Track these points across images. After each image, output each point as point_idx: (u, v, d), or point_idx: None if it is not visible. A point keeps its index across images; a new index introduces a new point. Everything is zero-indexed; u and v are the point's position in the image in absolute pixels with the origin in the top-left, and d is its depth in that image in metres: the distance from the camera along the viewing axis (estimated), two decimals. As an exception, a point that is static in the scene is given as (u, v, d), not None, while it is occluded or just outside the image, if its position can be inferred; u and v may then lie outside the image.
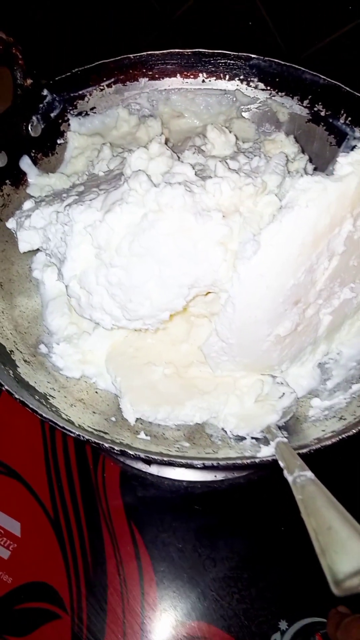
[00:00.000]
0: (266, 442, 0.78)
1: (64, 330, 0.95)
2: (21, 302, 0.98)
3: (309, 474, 0.61)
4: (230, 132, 0.93)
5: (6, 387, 0.74)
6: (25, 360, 0.88)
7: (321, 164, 1.11)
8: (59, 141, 1.10)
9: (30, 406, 0.72)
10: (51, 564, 1.04)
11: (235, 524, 1.07)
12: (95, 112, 1.13)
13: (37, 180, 1.05)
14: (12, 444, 1.14)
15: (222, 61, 1.13)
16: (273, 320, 0.77)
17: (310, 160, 1.03)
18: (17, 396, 0.73)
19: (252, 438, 0.81)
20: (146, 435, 0.81)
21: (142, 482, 1.08)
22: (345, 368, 0.92)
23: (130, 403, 0.84)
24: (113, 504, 1.09)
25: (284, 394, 0.87)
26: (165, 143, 0.86)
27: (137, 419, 0.84)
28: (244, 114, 1.16)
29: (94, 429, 0.77)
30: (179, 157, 0.89)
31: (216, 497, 1.09)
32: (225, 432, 0.84)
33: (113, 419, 0.85)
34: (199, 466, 0.68)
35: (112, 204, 0.76)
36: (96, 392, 0.90)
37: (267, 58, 1.10)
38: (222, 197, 0.76)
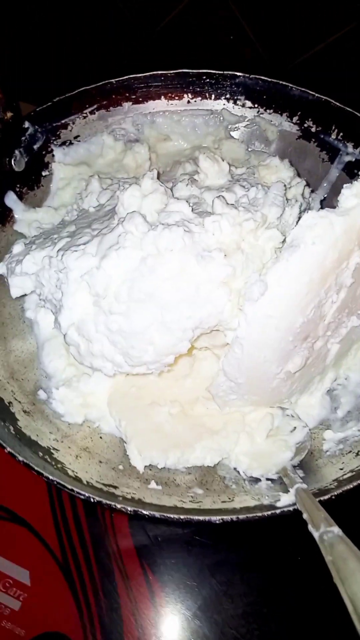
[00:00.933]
0: (283, 485, 0.75)
1: (62, 372, 0.91)
2: (16, 345, 0.94)
3: (336, 529, 0.58)
4: (223, 159, 0.89)
5: (9, 449, 0.70)
6: (24, 411, 0.84)
7: (314, 181, 1.08)
8: (43, 173, 1.06)
9: (36, 468, 0.69)
10: (64, 612, 1.00)
11: (251, 557, 1.04)
12: (79, 141, 1.09)
13: (23, 215, 1.01)
14: (15, 489, 1.10)
15: (207, 81, 1.10)
16: (283, 358, 0.74)
17: (308, 185, 1.00)
18: (20, 458, 0.70)
19: (267, 479, 0.78)
20: (157, 484, 0.78)
21: (152, 519, 1.05)
22: (354, 394, 0.90)
23: (138, 449, 0.81)
24: (123, 544, 1.06)
25: (295, 428, 0.84)
26: (158, 177, 0.82)
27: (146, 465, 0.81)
28: (233, 134, 1.13)
29: (102, 484, 0.74)
30: (171, 190, 0.86)
31: (229, 531, 1.06)
32: (238, 472, 0.81)
33: (120, 467, 0.82)
34: (217, 522, 0.65)
35: (107, 248, 0.73)
36: (100, 438, 0.87)
37: (253, 76, 1.07)
38: (222, 235, 0.73)
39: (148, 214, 0.76)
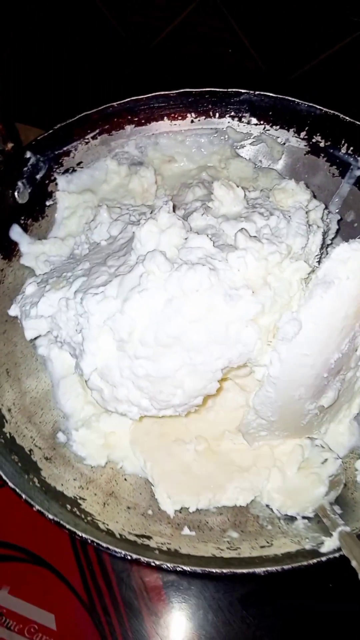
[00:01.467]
0: (321, 524, 0.72)
1: (80, 412, 0.88)
2: (30, 385, 0.91)
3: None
4: (237, 185, 0.86)
5: (37, 507, 0.67)
6: (46, 458, 0.81)
7: (325, 196, 1.06)
8: (47, 203, 1.03)
9: (67, 527, 0.66)
10: (93, 656, 0.97)
11: (280, 586, 1.02)
12: (82, 167, 1.06)
13: (30, 248, 0.98)
14: (35, 530, 1.07)
15: (211, 99, 1.06)
16: (317, 395, 0.72)
17: (315, 196, 0.97)
18: (50, 516, 0.67)
19: (304, 517, 0.76)
20: (190, 529, 0.75)
21: (194, 574, 1.02)
22: None
23: (167, 493, 0.78)
24: (149, 581, 1.03)
25: (326, 459, 0.81)
26: (174, 209, 0.79)
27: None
28: (239, 151, 1.10)
29: (135, 535, 0.71)
30: (186, 218, 0.82)
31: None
32: (272, 510, 0.78)
33: (150, 511, 0.79)
34: (262, 574, 0.62)
35: (129, 290, 0.70)
36: (125, 479, 0.84)
37: (258, 92, 1.04)
38: (248, 270, 0.70)
39: (167, 250, 0.73)
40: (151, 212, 0.80)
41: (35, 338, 0.88)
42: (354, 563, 0.60)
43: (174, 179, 1.09)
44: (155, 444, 0.84)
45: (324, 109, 1.02)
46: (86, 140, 1.05)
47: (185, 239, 0.74)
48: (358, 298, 0.64)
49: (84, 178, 1.06)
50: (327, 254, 0.88)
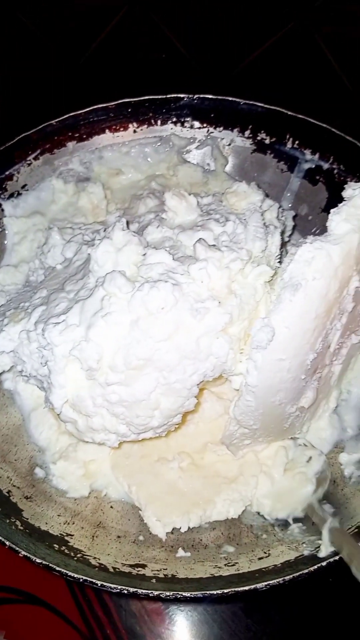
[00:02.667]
0: (315, 526, 0.71)
1: (55, 443, 0.85)
2: (0, 422, 0.87)
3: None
4: (189, 193, 0.84)
5: (23, 552, 0.64)
6: (26, 497, 0.77)
7: (277, 193, 1.05)
8: (-5, 231, 0.99)
9: (57, 569, 0.63)
10: None
11: (284, 590, 1.01)
12: (27, 190, 1.02)
13: None
14: (26, 569, 1.03)
15: (151, 107, 1.05)
16: (296, 397, 0.71)
17: (267, 196, 0.97)
18: (38, 560, 0.64)
19: (296, 520, 0.75)
20: (184, 550, 0.73)
21: (195, 599, 0.99)
22: (356, 410, 0.87)
23: (157, 516, 0.75)
24: (149, 603, 1.00)
25: (310, 457, 0.81)
26: (127, 225, 0.77)
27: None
28: (186, 156, 1.08)
29: (130, 566, 0.69)
30: (142, 232, 0.80)
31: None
32: (264, 517, 0.77)
33: (141, 537, 0.76)
34: (264, 589, 0.61)
35: (92, 315, 0.67)
36: (111, 507, 0.81)
37: (197, 95, 1.03)
38: (211, 281, 0.68)
39: (126, 269, 0.71)
40: (105, 230, 0.77)
41: (0, 373, 0.84)
42: (346, 558, 0.59)
43: (124, 192, 1.07)
44: (138, 467, 0.82)
45: (265, 106, 1.01)
46: (28, 162, 1.01)
47: (144, 255, 0.71)
48: (327, 297, 0.64)
49: (31, 201, 1.03)
50: (286, 252, 0.88)
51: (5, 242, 1.00)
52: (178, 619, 0.97)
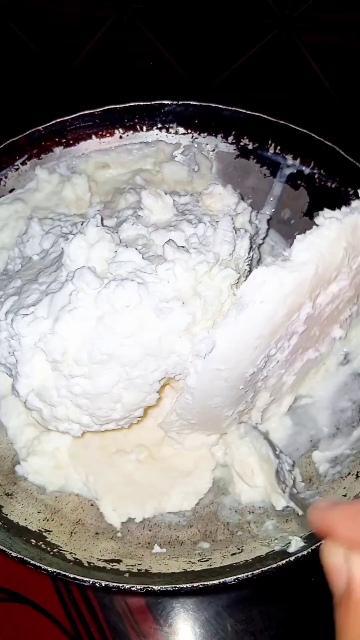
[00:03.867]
0: (289, 522, 0.73)
1: (21, 436, 0.86)
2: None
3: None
4: (165, 193, 0.86)
5: (0, 546, 0.65)
6: (7, 494, 0.79)
7: (259, 197, 1.07)
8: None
9: (32, 562, 0.64)
10: None
11: (265, 589, 1.02)
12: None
13: None
14: (10, 567, 1.04)
15: (136, 113, 1.07)
16: (234, 403, 0.73)
17: (242, 199, 0.98)
18: (13, 554, 0.65)
19: (273, 517, 0.76)
20: (160, 546, 0.74)
21: (165, 593, 1.00)
22: (330, 410, 0.88)
23: (112, 506, 0.78)
24: (133, 601, 1.02)
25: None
26: (102, 221, 0.79)
27: (142, 520, 0.78)
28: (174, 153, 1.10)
29: (105, 561, 0.70)
30: (117, 228, 0.82)
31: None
32: (241, 515, 0.79)
33: (119, 534, 0.78)
34: (233, 583, 0.62)
35: (60, 309, 0.69)
36: (92, 505, 0.82)
37: (182, 102, 1.05)
38: (177, 282, 0.71)
39: (97, 264, 0.73)
40: (82, 224, 0.79)
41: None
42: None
43: (108, 185, 1.08)
44: (96, 457, 0.83)
45: (248, 112, 1.03)
46: (16, 167, 1.04)
47: (115, 252, 0.73)
48: (273, 320, 0.65)
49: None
50: (259, 255, 0.89)
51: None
52: (161, 618, 0.98)
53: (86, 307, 0.69)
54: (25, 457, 0.83)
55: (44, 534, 0.74)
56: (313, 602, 0.99)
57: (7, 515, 0.75)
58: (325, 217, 0.67)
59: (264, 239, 0.96)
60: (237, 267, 0.76)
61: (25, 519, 0.75)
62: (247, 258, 0.79)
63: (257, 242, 0.92)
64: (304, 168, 1.02)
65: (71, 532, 0.76)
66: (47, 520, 0.77)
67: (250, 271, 0.76)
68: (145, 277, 0.70)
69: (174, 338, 0.70)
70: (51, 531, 0.75)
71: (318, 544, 0.65)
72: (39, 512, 0.78)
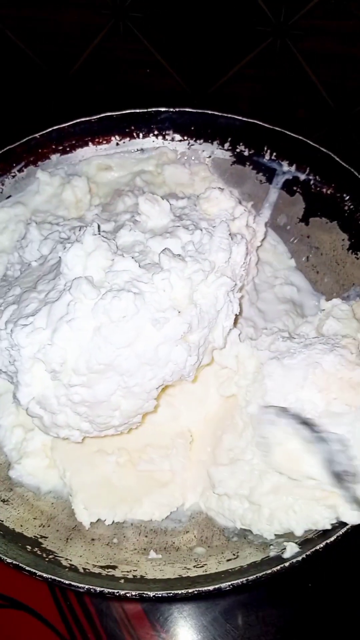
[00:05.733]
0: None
1: (10, 436, 0.86)
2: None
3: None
4: (163, 198, 0.87)
5: (-7, 552, 0.65)
6: (3, 500, 0.79)
7: (256, 203, 1.07)
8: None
9: (27, 569, 0.64)
10: None
11: (262, 593, 1.02)
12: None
13: None
14: (7, 573, 1.04)
15: (132, 120, 1.07)
16: None
17: (240, 202, 0.98)
18: (9, 560, 0.65)
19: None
20: (156, 552, 0.75)
21: (159, 599, 1.00)
22: None
23: (84, 505, 0.78)
24: (130, 607, 1.01)
25: None
26: (99, 229, 0.79)
27: (139, 526, 0.79)
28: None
29: (100, 567, 0.70)
30: (115, 240, 0.82)
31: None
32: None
33: (115, 540, 0.78)
34: (228, 589, 0.62)
35: (58, 320, 0.70)
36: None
37: (178, 109, 1.06)
38: (173, 291, 0.71)
39: (94, 273, 0.73)
40: (80, 229, 0.80)
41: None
42: None
43: (108, 186, 1.08)
44: (77, 454, 0.84)
45: (244, 119, 1.04)
46: (12, 174, 1.04)
47: (112, 260, 0.74)
48: None
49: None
50: (257, 257, 0.90)
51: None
52: (158, 624, 0.98)
53: (84, 318, 0.70)
54: (18, 460, 0.84)
55: (39, 540, 0.74)
56: (311, 608, 0.99)
57: (2, 521, 0.75)
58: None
59: (262, 240, 0.96)
60: (234, 273, 0.77)
61: (21, 525, 0.75)
62: (243, 263, 0.79)
63: (254, 245, 0.93)
64: (299, 174, 1.03)
65: (67, 539, 0.76)
66: (43, 526, 0.77)
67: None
68: (141, 287, 0.71)
69: (171, 347, 0.70)
70: (47, 537, 0.75)
71: (313, 549, 0.66)
72: (34, 519, 0.78)
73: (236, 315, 0.79)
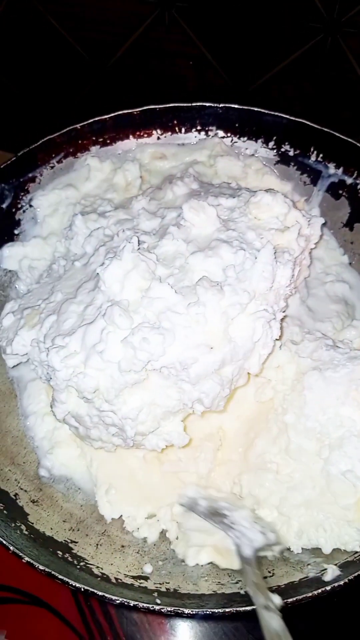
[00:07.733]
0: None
1: (41, 424, 0.86)
2: (11, 424, 0.87)
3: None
4: (209, 205, 0.83)
5: (27, 558, 0.64)
6: (33, 501, 0.78)
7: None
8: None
9: (59, 577, 0.63)
10: None
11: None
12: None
13: (10, 251, 0.95)
14: (31, 570, 1.03)
15: (175, 115, 1.04)
16: None
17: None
18: (41, 567, 0.64)
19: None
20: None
21: (194, 616, 0.99)
22: None
23: (109, 500, 0.78)
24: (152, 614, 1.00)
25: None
26: (138, 243, 0.77)
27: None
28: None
29: (132, 577, 0.68)
30: (154, 251, 0.80)
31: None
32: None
33: (145, 548, 0.76)
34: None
35: (92, 347, 0.70)
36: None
37: (223, 105, 1.03)
38: (207, 324, 0.69)
39: (131, 294, 0.72)
40: (123, 232, 0.78)
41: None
42: None
43: (161, 175, 1.05)
44: None
45: (290, 117, 1.00)
46: (51, 165, 1.02)
47: (150, 281, 0.73)
48: None
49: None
50: (310, 260, 0.87)
51: (37, 211, 1.00)
52: (179, 630, 0.97)
53: (114, 351, 0.69)
54: (50, 450, 0.83)
55: (70, 545, 0.72)
56: (335, 622, 0.97)
57: (33, 524, 0.73)
58: None
59: (316, 243, 0.92)
60: (278, 294, 0.74)
61: (51, 528, 0.74)
62: (287, 286, 0.76)
63: (308, 248, 0.89)
64: (346, 178, 0.99)
65: (97, 544, 0.74)
66: (73, 530, 0.76)
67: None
68: (174, 319, 0.69)
69: (201, 382, 0.70)
70: (77, 542, 0.73)
71: (355, 574, 0.63)
72: (64, 521, 0.76)
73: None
